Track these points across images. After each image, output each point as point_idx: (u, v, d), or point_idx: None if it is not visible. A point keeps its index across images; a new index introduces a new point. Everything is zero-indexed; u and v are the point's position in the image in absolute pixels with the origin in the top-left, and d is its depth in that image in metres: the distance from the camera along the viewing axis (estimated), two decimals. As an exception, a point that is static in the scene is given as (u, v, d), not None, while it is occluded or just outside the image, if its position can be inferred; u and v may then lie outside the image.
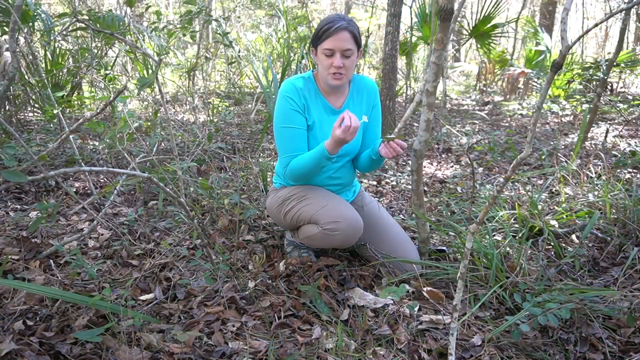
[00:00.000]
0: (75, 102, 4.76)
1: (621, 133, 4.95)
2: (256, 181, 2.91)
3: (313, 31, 1.85)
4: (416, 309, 1.62)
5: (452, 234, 2.20)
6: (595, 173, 2.92)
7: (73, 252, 1.84)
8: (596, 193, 2.55)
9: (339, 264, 1.96)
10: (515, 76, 7.69)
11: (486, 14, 6.54)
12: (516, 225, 2.26)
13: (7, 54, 3.10)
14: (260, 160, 3.44)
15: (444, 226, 2.35)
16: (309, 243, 1.91)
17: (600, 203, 2.41)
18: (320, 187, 1.94)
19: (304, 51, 5.27)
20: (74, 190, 2.88)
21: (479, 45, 7.09)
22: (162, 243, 2.15)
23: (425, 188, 3.19)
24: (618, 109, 5.73)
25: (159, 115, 3.97)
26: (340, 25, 1.71)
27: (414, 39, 7.01)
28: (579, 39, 1.22)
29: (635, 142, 4.46)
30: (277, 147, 1.88)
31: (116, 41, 4.44)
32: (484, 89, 9.29)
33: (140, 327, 1.50)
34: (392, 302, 1.69)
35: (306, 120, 1.85)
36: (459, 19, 5.55)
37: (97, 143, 3.59)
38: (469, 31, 6.94)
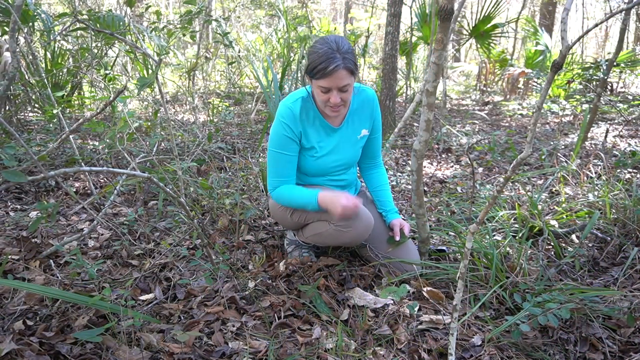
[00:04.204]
0: (75, 102, 4.76)
1: (621, 133, 4.95)
2: (256, 181, 2.91)
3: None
4: (416, 309, 1.62)
5: (452, 234, 2.20)
6: (595, 173, 2.92)
7: (73, 252, 1.84)
8: (596, 193, 2.55)
9: (339, 264, 1.96)
10: (515, 76, 7.69)
11: (486, 14, 6.54)
12: (516, 225, 2.26)
13: (7, 54, 3.10)
14: (260, 160, 3.44)
15: (444, 226, 2.35)
16: (316, 241, 1.89)
17: (600, 203, 2.41)
18: (324, 187, 1.94)
19: (304, 51, 5.26)
20: (74, 190, 2.88)
21: (479, 45, 7.08)
22: (162, 243, 2.15)
23: (425, 188, 3.20)
24: (618, 109, 5.73)
25: (159, 115, 3.98)
26: (336, 65, 1.60)
27: (414, 39, 7.01)
28: (579, 39, 1.22)
29: (635, 142, 4.46)
30: (267, 164, 1.89)
31: (116, 41, 4.44)
32: (484, 89, 9.29)
33: (140, 327, 1.50)
34: (392, 302, 1.69)
35: (301, 145, 1.86)
36: (459, 19, 5.55)
37: (97, 143, 3.58)
38: (469, 31, 6.94)
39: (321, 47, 1.63)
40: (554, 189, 2.96)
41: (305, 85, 5.41)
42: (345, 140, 1.90)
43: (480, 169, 3.71)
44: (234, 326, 1.55)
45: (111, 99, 1.62)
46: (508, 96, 8.54)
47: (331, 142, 1.88)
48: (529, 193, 2.70)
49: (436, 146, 4.48)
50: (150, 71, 5.16)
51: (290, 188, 1.84)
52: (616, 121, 5.69)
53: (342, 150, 1.90)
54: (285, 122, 1.78)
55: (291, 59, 5.54)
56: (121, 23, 4.27)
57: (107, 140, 2.79)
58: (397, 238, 1.93)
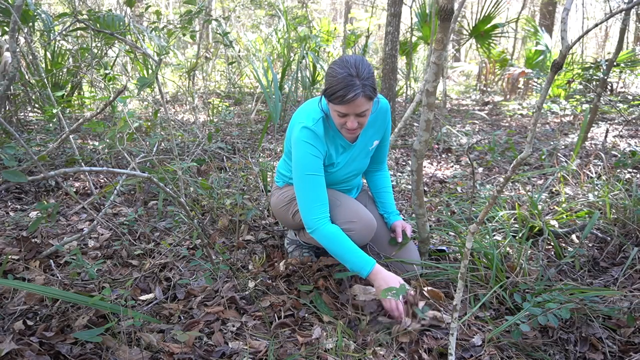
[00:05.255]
0: (75, 102, 4.76)
1: (621, 133, 4.95)
2: (256, 181, 2.92)
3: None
4: (423, 312, 1.61)
5: (452, 234, 2.20)
6: (595, 173, 2.92)
7: (73, 252, 1.84)
8: (596, 193, 2.55)
9: (339, 263, 1.96)
10: (515, 76, 7.69)
11: (486, 14, 6.54)
12: (516, 225, 2.26)
13: (7, 54, 3.10)
14: (260, 160, 3.44)
15: (444, 226, 2.35)
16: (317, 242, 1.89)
17: (600, 203, 2.41)
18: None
19: (304, 51, 5.26)
20: (74, 190, 2.88)
21: (479, 45, 7.09)
22: (162, 243, 2.15)
23: (425, 188, 3.20)
24: (618, 109, 5.73)
25: (159, 115, 3.98)
26: (355, 94, 1.53)
27: (414, 39, 7.01)
28: (579, 39, 1.22)
29: (635, 142, 4.46)
30: (297, 193, 1.72)
31: (116, 41, 4.44)
32: (484, 89, 9.29)
33: (140, 327, 1.50)
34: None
35: (324, 163, 1.81)
36: (459, 19, 5.55)
37: (97, 143, 3.59)
38: (469, 31, 6.94)
39: (341, 71, 1.55)
40: (554, 189, 2.96)
41: (305, 87, 5.36)
42: (359, 153, 1.89)
43: (480, 169, 3.71)
44: (234, 326, 1.55)
45: (111, 99, 1.62)
46: (508, 96, 8.54)
47: (347, 156, 1.86)
48: (529, 193, 2.70)
49: (436, 146, 4.48)
50: (150, 71, 5.16)
51: (343, 237, 1.68)
52: (616, 121, 5.69)
53: (356, 162, 1.90)
54: (310, 144, 1.69)
55: (291, 59, 5.54)
56: (121, 23, 4.27)
57: (107, 140, 2.79)
58: (400, 240, 1.93)
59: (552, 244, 2.10)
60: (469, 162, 3.08)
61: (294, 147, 1.72)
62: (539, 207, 2.40)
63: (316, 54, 5.66)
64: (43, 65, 4.28)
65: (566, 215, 2.40)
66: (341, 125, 1.67)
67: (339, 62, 1.59)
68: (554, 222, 2.33)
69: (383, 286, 1.58)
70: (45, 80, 3.33)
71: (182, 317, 1.61)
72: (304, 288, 1.76)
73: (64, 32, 4.27)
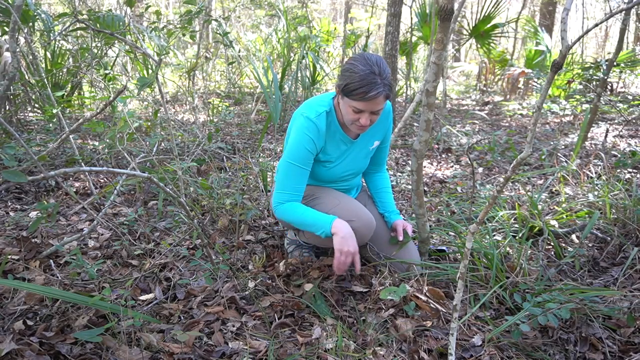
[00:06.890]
0: (75, 102, 4.76)
1: (621, 133, 4.96)
2: (256, 181, 2.91)
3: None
4: (413, 309, 1.62)
5: (452, 234, 2.20)
6: (595, 173, 2.92)
7: (73, 252, 1.84)
8: (596, 193, 2.55)
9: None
10: (515, 76, 7.69)
11: (486, 14, 6.55)
12: (516, 225, 2.26)
13: (7, 54, 3.11)
14: (260, 160, 3.44)
15: (444, 226, 2.35)
16: (317, 242, 1.89)
17: (600, 203, 2.41)
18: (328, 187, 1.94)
19: (304, 51, 5.26)
20: (74, 190, 2.88)
21: (479, 45, 7.09)
22: (162, 243, 2.15)
23: (425, 188, 3.20)
24: (618, 109, 5.73)
25: (159, 115, 3.98)
26: (377, 92, 1.55)
27: (414, 39, 7.01)
28: (579, 39, 1.22)
29: (635, 142, 4.46)
30: (279, 173, 1.78)
31: (116, 41, 4.44)
32: (484, 89, 9.29)
33: (140, 327, 1.50)
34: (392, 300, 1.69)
35: (316, 158, 1.82)
36: (459, 19, 5.55)
37: (97, 143, 3.58)
38: (469, 31, 6.94)
39: (363, 68, 1.56)
40: (554, 189, 2.96)
41: (305, 87, 5.37)
42: (359, 152, 1.89)
43: (480, 169, 3.71)
44: (234, 326, 1.55)
45: (111, 99, 1.62)
46: (508, 96, 8.54)
47: (346, 153, 1.86)
48: (529, 193, 2.70)
49: (436, 146, 4.48)
50: (150, 71, 5.16)
51: (299, 206, 1.75)
52: (616, 121, 5.69)
53: (355, 161, 1.90)
54: (310, 137, 1.71)
55: (291, 59, 5.54)
56: (121, 23, 4.27)
57: (107, 140, 2.79)
58: (401, 238, 1.93)
59: (552, 244, 2.10)
60: (469, 162, 3.08)
61: (294, 133, 1.75)
62: (539, 207, 2.40)
63: (316, 54, 5.66)
64: (43, 65, 4.28)
65: (566, 215, 2.40)
66: (353, 121, 1.68)
67: (360, 59, 1.59)
68: (554, 222, 2.33)
69: (340, 236, 1.65)
70: (45, 80, 3.33)
71: (182, 317, 1.61)
72: (299, 282, 1.77)
73: (64, 32, 4.27)
